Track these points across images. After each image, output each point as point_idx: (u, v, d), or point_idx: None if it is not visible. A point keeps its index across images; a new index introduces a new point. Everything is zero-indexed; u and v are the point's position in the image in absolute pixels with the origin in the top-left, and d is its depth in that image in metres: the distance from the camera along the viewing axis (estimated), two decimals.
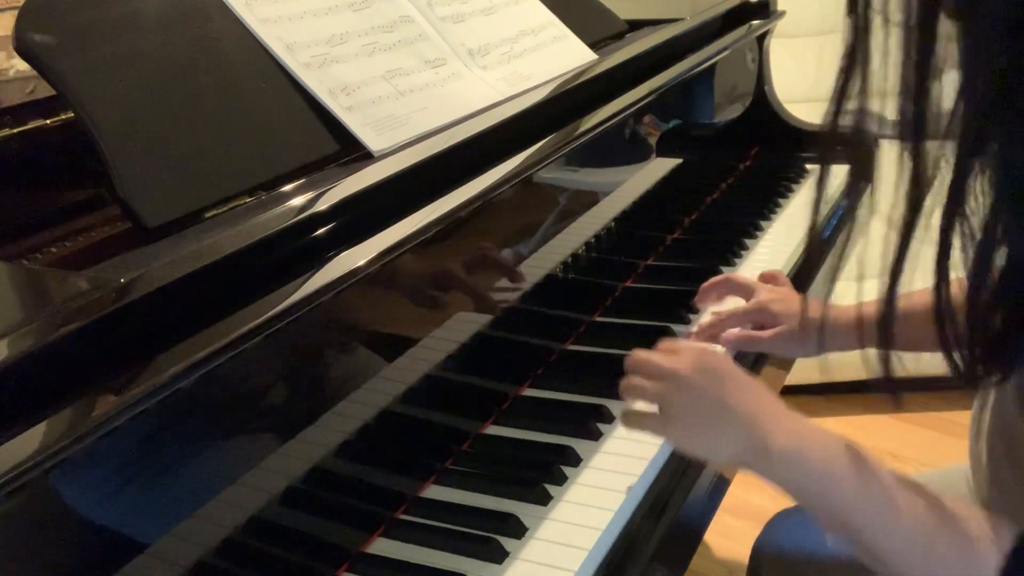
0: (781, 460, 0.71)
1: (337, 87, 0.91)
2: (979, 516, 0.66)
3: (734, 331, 1.07)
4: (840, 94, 0.64)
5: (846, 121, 0.65)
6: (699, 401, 0.77)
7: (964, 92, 0.59)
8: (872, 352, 0.72)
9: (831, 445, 0.71)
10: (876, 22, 0.62)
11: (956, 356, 0.65)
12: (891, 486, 0.68)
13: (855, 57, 0.63)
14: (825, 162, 0.69)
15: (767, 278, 1.12)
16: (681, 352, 0.80)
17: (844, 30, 0.64)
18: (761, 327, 1.06)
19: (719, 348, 1.05)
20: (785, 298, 1.06)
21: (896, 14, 0.60)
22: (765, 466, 0.72)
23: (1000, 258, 0.62)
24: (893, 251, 0.62)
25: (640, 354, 0.82)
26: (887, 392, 0.68)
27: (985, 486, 0.81)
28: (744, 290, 1.09)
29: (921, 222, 0.62)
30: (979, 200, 0.60)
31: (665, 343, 0.83)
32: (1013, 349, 0.64)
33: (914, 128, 0.61)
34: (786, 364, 1.19)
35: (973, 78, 0.59)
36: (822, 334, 1.01)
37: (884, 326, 0.66)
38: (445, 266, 0.92)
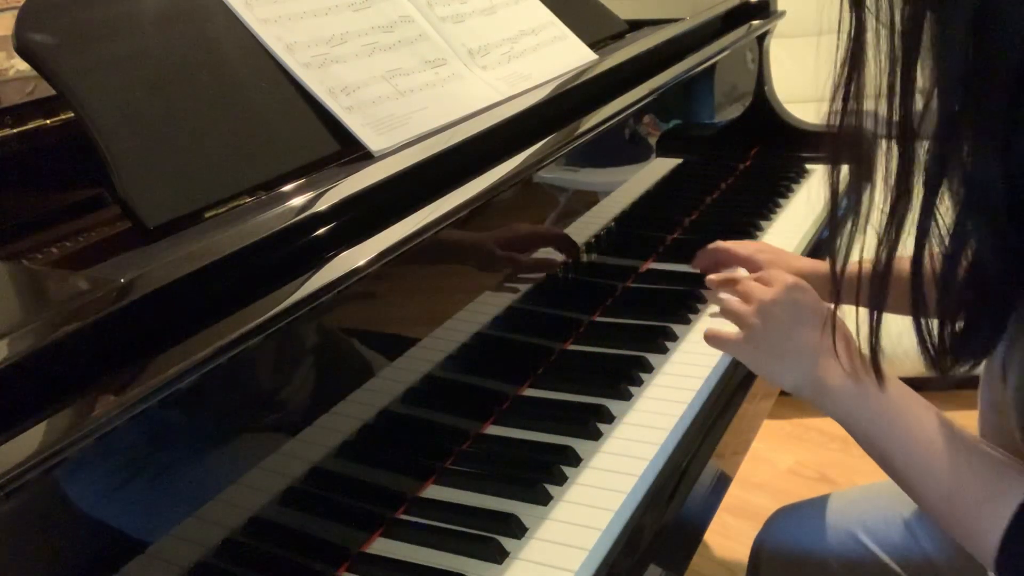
0: (834, 397, 0.80)
1: (337, 87, 0.91)
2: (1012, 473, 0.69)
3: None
4: (843, 95, 0.66)
5: (847, 120, 0.67)
6: (775, 332, 0.85)
7: (937, 94, 0.61)
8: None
9: (888, 391, 0.77)
10: (870, 22, 0.63)
11: (929, 344, 0.70)
12: (934, 435, 0.74)
13: (853, 58, 0.64)
14: (836, 163, 0.71)
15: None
16: (774, 282, 0.87)
17: (840, 30, 0.65)
18: None
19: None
20: (774, 252, 1.10)
21: (885, 14, 0.62)
22: (820, 400, 0.81)
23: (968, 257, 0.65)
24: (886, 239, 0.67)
25: (739, 276, 0.94)
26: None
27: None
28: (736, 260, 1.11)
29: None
30: (950, 204, 0.64)
31: (762, 273, 0.91)
32: (979, 341, 0.69)
33: (901, 128, 0.63)
34: None
35: (944, 78, 0.60)
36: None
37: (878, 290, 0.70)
38: (445, 266, 0.92)
